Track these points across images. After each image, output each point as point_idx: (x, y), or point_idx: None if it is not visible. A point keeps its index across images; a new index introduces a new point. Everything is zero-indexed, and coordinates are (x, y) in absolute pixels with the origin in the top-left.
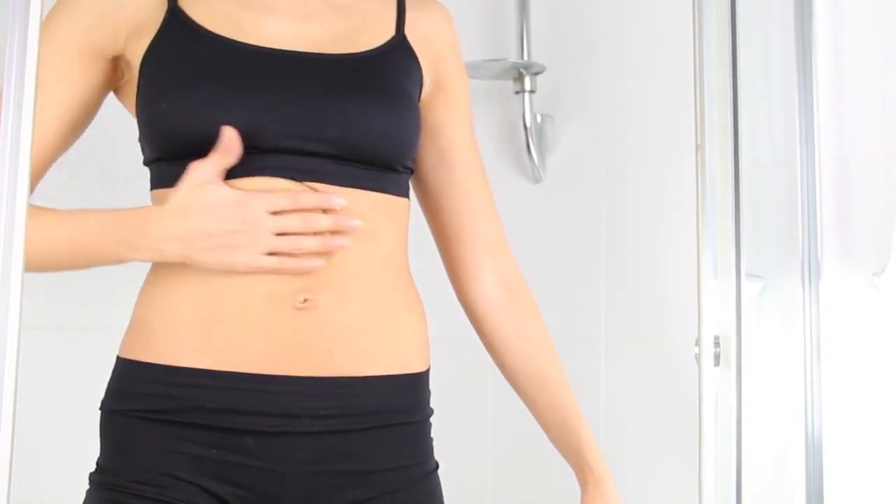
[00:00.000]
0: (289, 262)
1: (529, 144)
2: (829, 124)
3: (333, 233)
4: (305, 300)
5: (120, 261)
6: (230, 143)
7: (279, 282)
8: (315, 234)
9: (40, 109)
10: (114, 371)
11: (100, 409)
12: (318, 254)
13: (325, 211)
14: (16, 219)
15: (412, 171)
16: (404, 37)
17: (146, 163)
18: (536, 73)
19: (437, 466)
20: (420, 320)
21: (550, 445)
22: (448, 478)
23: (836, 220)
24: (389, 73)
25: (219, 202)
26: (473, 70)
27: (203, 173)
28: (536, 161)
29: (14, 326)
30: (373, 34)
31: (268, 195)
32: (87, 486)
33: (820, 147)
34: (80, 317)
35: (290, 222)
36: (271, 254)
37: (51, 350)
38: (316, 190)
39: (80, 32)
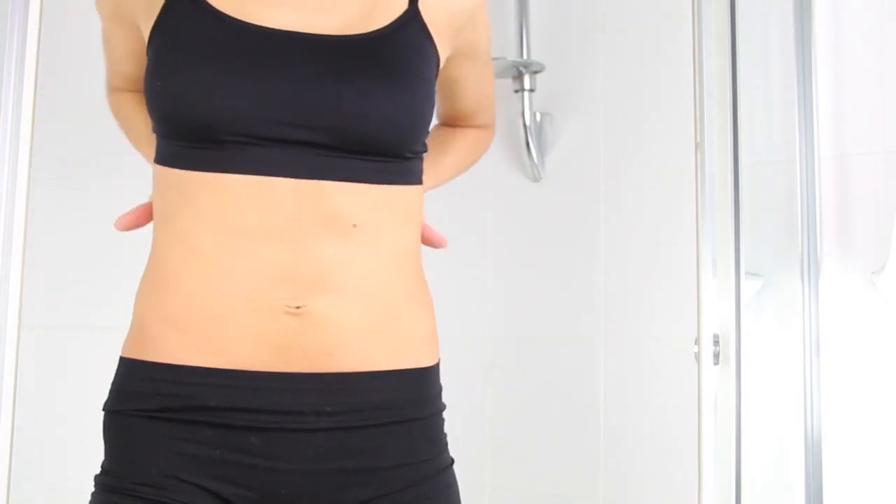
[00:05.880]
0: None
1: (529, 143)
2: (829, 122)
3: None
4: (298, 307)
5: None
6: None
7: (273, 286)
8: None
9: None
10: (116, 371)
11: (102, 409)
12: None
13: None
14: (15, 219)
15: (426, 151)
16: (417, 10)
17: (154, 131)
18: (536, 72)
19: (451, 462)
20: (426, 314)
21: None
22: None
23: (835, 217)
24: (397, 52)
25: None
26: None
27: None
28: (536, 159)
29: (13, 326)
30: (386, 10)
31: None
32: (92, 489)
33: (819, 145)
34: (82, 316)
35: None
36: None
37: (51, 350)
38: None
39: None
